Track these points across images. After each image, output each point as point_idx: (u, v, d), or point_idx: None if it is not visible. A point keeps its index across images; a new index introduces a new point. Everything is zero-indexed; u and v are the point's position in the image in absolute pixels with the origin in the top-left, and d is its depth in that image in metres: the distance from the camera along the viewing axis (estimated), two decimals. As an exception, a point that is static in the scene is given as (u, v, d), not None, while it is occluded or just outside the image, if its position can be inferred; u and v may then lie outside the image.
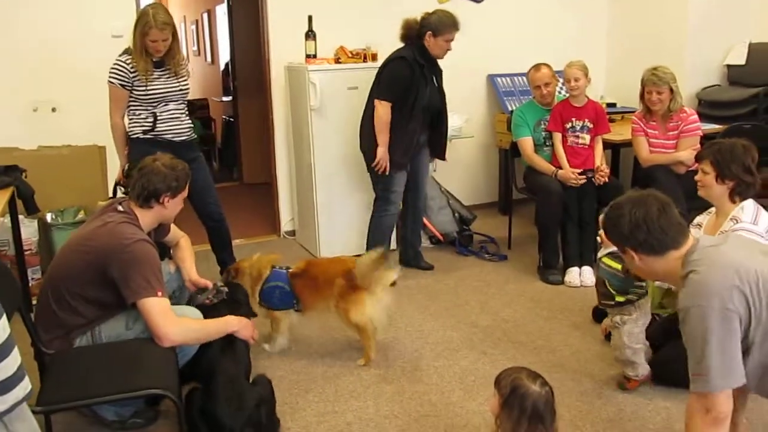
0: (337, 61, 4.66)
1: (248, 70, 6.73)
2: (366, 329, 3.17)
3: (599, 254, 2.95)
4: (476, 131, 5.69)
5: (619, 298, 2.84)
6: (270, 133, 5.20)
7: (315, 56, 4.59)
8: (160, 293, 2.44)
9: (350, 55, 4.70)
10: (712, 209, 3.03)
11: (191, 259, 3.15)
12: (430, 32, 4.06)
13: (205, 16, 9.42)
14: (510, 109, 5.56)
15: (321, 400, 2.90)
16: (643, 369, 2.93)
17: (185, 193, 2.79)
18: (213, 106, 9.08)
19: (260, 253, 3.41)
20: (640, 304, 2.85)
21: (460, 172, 5.72)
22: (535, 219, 4.42)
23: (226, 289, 3.00)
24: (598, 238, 2.92)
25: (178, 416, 2.18)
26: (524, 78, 5.79)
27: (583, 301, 3.86)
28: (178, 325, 2.47)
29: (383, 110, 4.06)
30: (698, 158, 2.97)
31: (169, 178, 2.68)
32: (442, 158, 4.57)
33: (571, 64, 4.27)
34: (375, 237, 4.34)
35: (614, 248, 2.79)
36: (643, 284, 2.84)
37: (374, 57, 4.66)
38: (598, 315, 3.58)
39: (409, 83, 4.05)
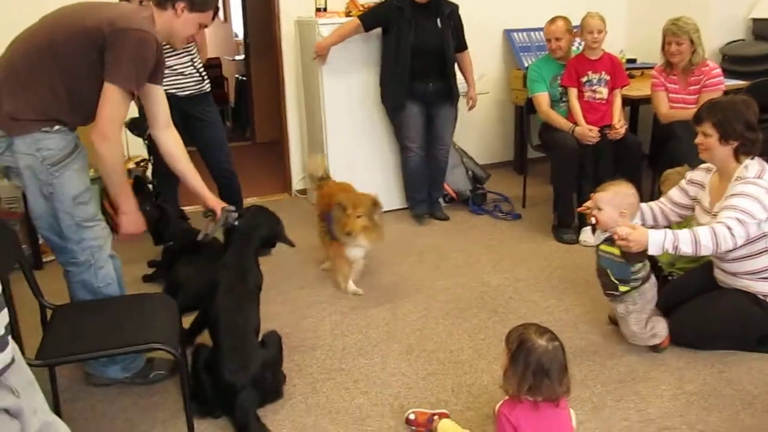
0: (348, 14, 4.54)
1: (260, 27, 6.61)
2: None
3: (594, 241, 2.82)
4: (491, 88, 5.56)
5: (623, 288, 2.73)
6: (280, 90, 5.11)
7: (325, 9, 4.48)
8: (133, 89, 2.35)
9: (361, 8, 4.57)
10: (712, 167, 2.89)
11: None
12: None
13: (218, -28, 9.24)
14: (526, 65, 5.41)
15: (328, 357, 2.88)
16: (663, 330, 2.84)
17: (204, 20, 2.57)
18: (226, 65, 8.96)
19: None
20: (643, 290, 2.74)
21: (474, 129, 5.60)
22: (550, 177, 4.33)
23: (236, 214, 2.77)
24: (592, 219, 2.75)
25: (180, 373, 2.15)
26: (541, 33, 5.64)
27: (598, 260, 3.79)
28: (116, 139, 2.38)
29: (350, 22, 4.30)
30: (697, 120, 2.78)
31: None
32: (453, 105, 4.52)
33: (592, 14, 4.12)
34: (408, 183, 4.63)
35: (609, 233, 2.68)
36: (641, 267, 2.70)
37: (386, 9, 4.54)
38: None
39: (381, 18, 4.25)
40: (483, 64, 5.38)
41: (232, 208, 2.74)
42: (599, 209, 2.70)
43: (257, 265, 2.76)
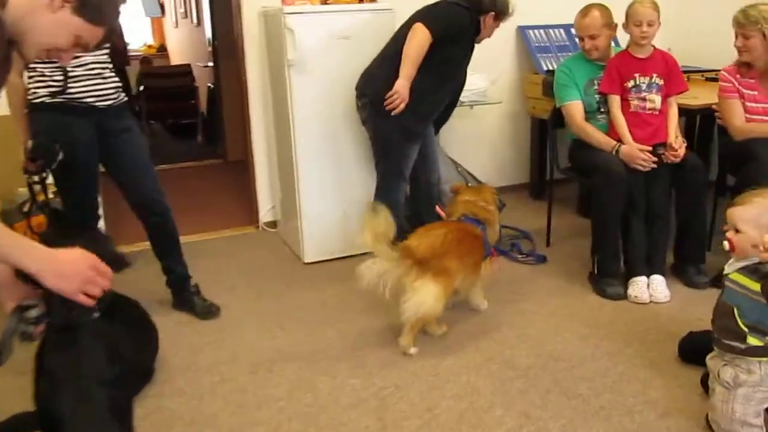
0: (325, 2, 3.57)
1: (226, 26, 5.63)
2: None
3: (726, 269, 1.90)
4: (502, 96, 4.59)
5: (753, 340, 1.82)
6: (244, 99, 4.13)
7: (295, -4, 3.50)
8: None
9: (343, -4, 3.60)
10: None
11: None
12: (494, 13, 3.22)
13: (192, -29, 8.31)
14: (545, 68, 4.48)
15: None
16: None
17: (87, 35, 1.57)
18: (199, 73, 8.00)
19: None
20: None
21: (482, 146, 4.65)
22: (591, 211, 3.31)
23: (35, 312, 1.69)
24: (725, 244, 1.88)
25: None
26: (562, 31, 4.73)
27: (659, 325, 2.81)
28: None
29: (423, 36, 3.02)
30: None
31: None
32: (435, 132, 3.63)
33: (641, 0, 3.16)
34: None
35: (749, 261, 1.82)
36: None
37: (374, -2, 3.59)
38: (686, 351, 2.53)
39: (459, 39, 3.17)
40: (494, 68, 4.43)
41: (32, 302, 1.61)
42: (736, 230, 1.87)
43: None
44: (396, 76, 3.04)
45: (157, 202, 2.93)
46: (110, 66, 2.79)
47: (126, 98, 2.85)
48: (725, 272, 1.91)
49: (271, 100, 3.96)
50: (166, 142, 7.65)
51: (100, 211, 3.29)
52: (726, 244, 1.86)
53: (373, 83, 3.21)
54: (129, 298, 2.55)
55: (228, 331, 2.91)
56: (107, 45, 2.75)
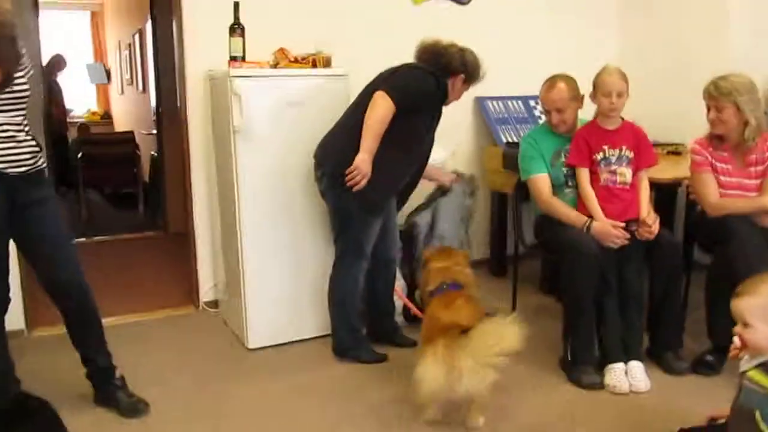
0: (276, 66, 3.34)
1: (169, 90, 5.38)
2: None
3: (741, 365, 1.66)
4: (461, 168, 4.39)
5: None
6: (186, 167, 3.84)
7: (243, 59, 3.26)
8: None
9: (293, 60, 3.39)
10: None
11: None
12: (464, 75, 3.08)
13: (137, 38, 8.12)
14: (504, 140, 4.33)
15: None
16: None
17: None
18: (143, 141, 7.68)
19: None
20: None
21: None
22: (564, 292, 3.05)
23: None
24: (736, 340, 1.63)
25: None
26: (520, 102, 4.62)
27: (643, 419, 2.55)
28: None
29: (386, 106, 2.81)
30: None
31: None
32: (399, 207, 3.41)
33: (609, 70, 3.02)
34: (347, 302, 3.14)
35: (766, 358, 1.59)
36: None
37: (327, 62, 3.37)
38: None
39: (425, 106, 2.99)
40: (452, 140, 4.24)
41: None
42: (745, 325, 1.65)
43: None
44: (356, 148, 2.81)
45: (75, 284, 2.54)
46: (26, 129, 2.45)
47: (44, 165, 2.50)
48: (741, 369, 1.67)
49: (215, 168, 3.67)
50: (104, 212, 7.23)
51: (14, 291, 2.89)
52: (736, 340, 1.63)
53: (331, 154, 2.99)
54: (36, 398, 2.15)
55: (156, 433, 2.51)
56: (23, 105, 2.43)
